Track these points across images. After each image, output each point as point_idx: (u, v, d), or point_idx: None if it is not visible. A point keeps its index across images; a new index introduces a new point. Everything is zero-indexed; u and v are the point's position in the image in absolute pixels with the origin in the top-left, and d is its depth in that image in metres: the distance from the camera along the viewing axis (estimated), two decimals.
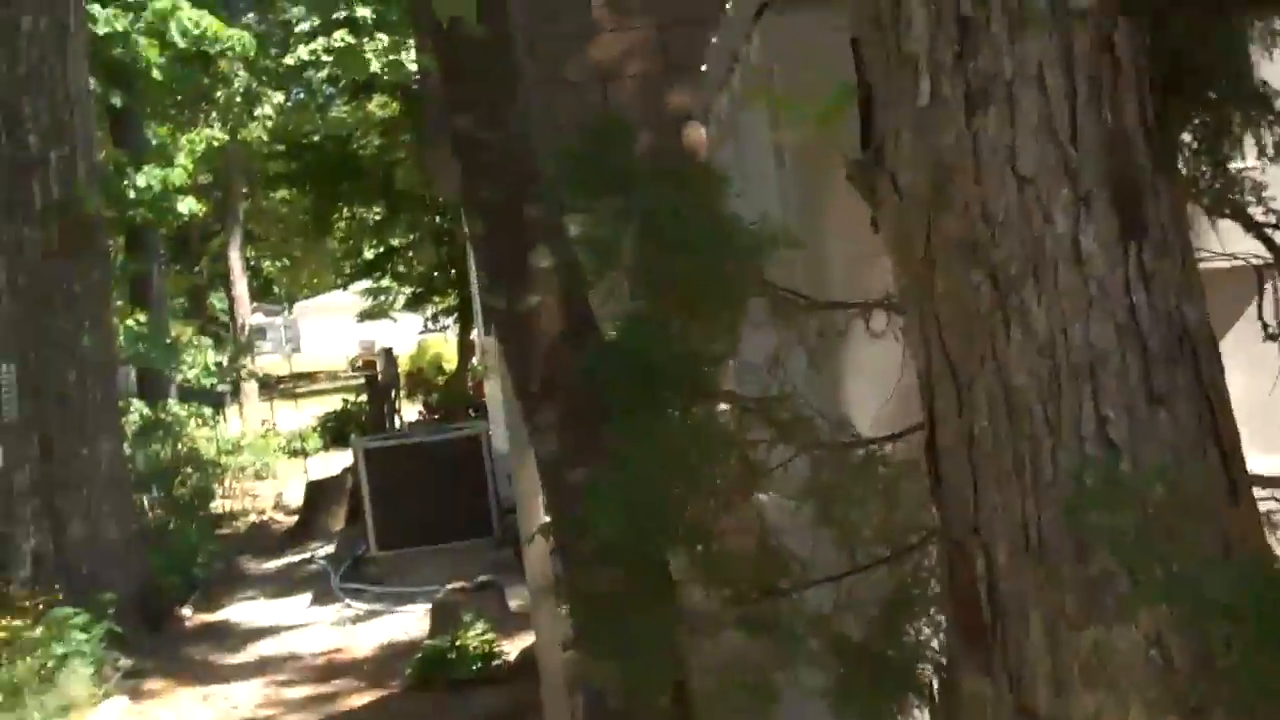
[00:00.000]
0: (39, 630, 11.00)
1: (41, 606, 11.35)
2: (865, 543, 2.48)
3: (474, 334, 31.39)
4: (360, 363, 20.70)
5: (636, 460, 2.52)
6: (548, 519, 5.84)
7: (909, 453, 2.68)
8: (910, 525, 2.60)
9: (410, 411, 31.47)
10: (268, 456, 24.61)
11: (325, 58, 26.34)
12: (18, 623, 10.83)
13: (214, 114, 24.92)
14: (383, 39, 25.92)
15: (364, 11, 25.98)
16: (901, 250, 2.05)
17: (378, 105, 29.61)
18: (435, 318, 32.52)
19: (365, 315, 39.41)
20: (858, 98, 2.10)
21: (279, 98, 25.51)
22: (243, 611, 14.09)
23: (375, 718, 10.05)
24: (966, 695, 2.03)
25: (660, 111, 5.87)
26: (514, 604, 12.20)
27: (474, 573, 14.00)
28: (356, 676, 11.20)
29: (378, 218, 29.55)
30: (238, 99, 23.76)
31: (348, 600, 13.77)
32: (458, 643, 10.53)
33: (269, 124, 25.03)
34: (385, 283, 31.11)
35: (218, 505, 20.52)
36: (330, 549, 16.72)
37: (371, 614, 13.18)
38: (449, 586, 12.03)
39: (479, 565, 14.22)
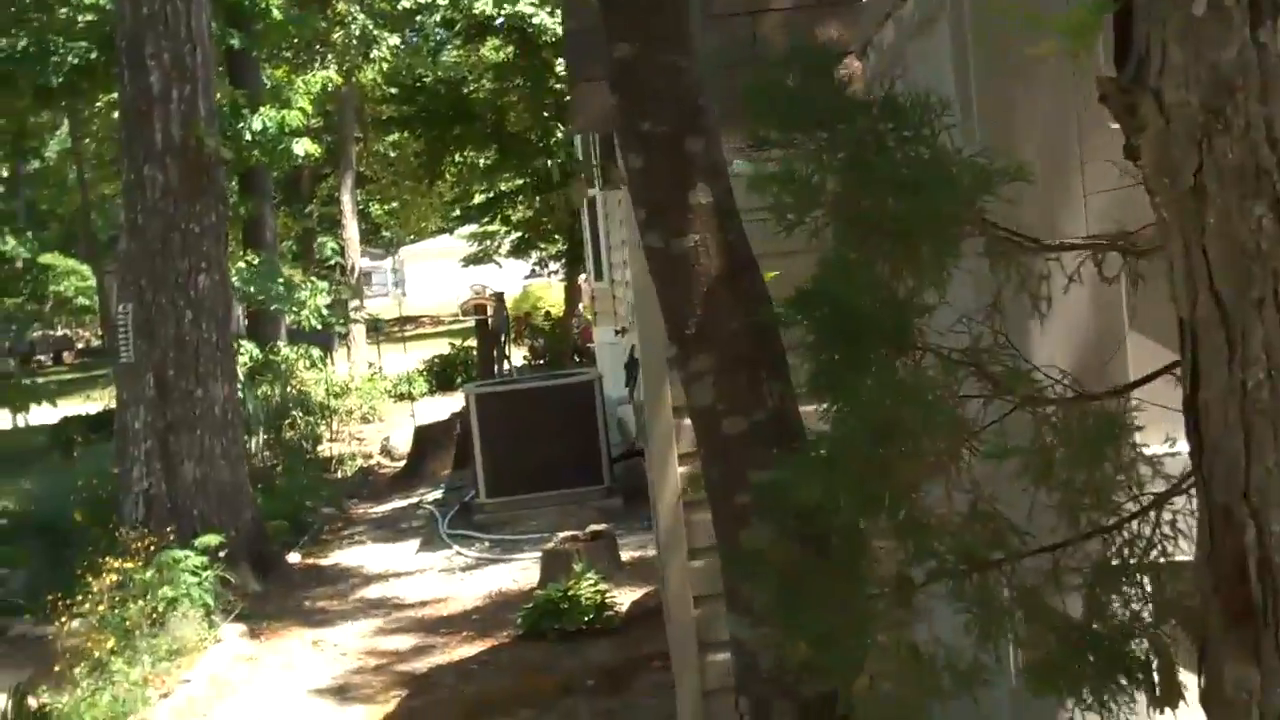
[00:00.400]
0: (149, 572, 11.00)
1: (152, 548, 11.36)
2: (1087, 509, 2.25)
3: (581, 279, 31.35)
4: (471, 306, 20.54)
5: (842, 418, 2.30)
6: (681, 469, 5.64)
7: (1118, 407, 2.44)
8: (1122, 487, 2.37)
9: (516, 356, 31.49)
10: (375, 400, 24.65)
11: (440, 0, 26.23)
12: (129, 565, 10.82)
13: (329, 56, 24.86)
14: None
15: None
16: (1165, 179, 1.81)
17: (490, 49, 29.47)
18: (544, 263, 32.35)
19: (470, 260, 39.41)
20: (1114, 8, 1.87)
21: (394, 40, 25.34)
22: (351, 556, 14.05)
23: (485, 667, 9.92)
24: (1228, 683, 1.80)
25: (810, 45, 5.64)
26: (626, 555, 12.07)
27: (583, 521, 13.87)
28: (465, 625, 11.09)
29: (489, 162, 29.40)
30: (354, 41, 23.63)
31: (456, 548, 13.68)
32: (570, 592, 10.38)
33: (385, 67, 24.89)
34: (493, 227, 30.96)
35: (325, 449, 20.56)
36: (437, 495, 16.67)
37: (480, 562, 13.08)
38: (560, 535, 11.90)
39: (588, 514, 14.10)
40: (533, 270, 68.59)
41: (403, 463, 19.55)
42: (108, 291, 46.52)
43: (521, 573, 12.44)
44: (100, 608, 10.50)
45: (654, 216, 4.02)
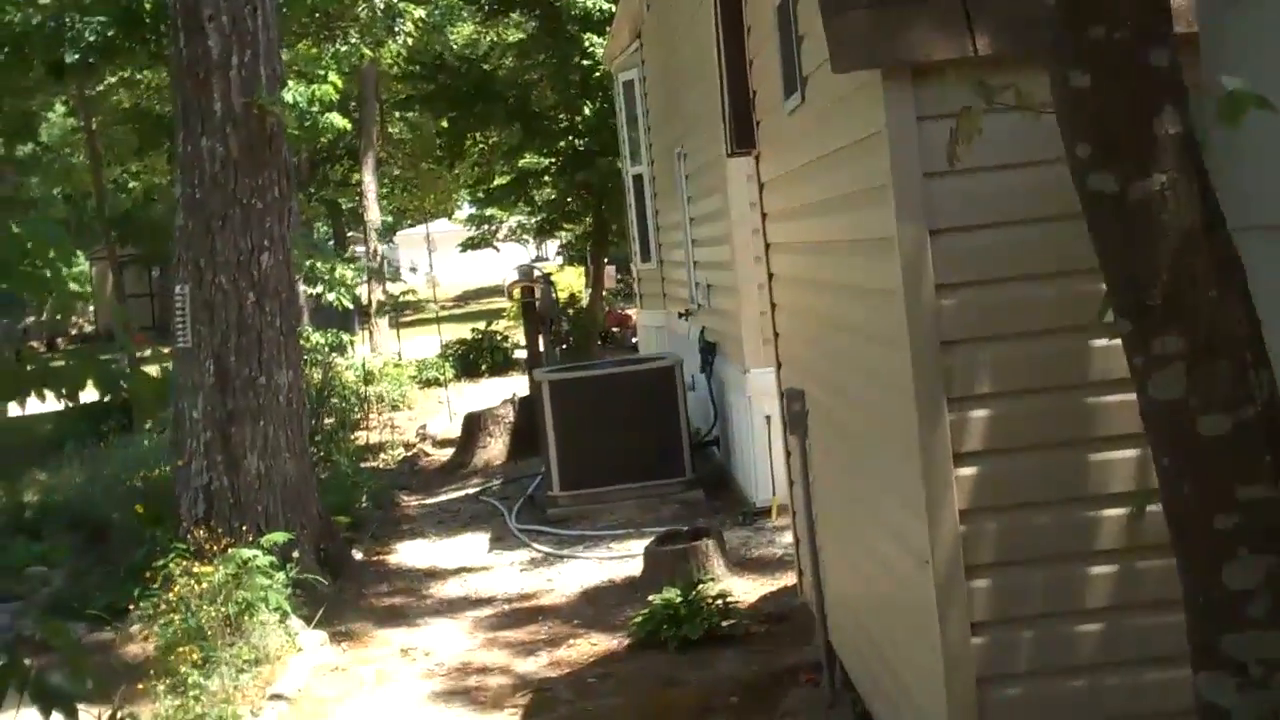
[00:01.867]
0: (219, 573, 10.14)
1: (227, 548, 10.52)
2: None
3: (606, 262, 30.49)
4: (518, 290, 19.67)
5: None
6: (961, 470, 4.79)
7: None
8: None
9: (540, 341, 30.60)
10: (404, 386, 23.78)
11: None
12: (202, 567, 9.96)
13: (351, 31, 23.94)
14: None
15: None
16: None
17: (513, 25, 28.61)
18: (568, 245, 31.46)
19: (469, 245, 38.53)
20: None
21: (420, 13, 24.42)
22: (418, 552, 13.20)
23: (604, 681, 9.08)
24: None
25: None
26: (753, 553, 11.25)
27: (663, 516, 13.09)
28: (565, 629, 10.26)
29: (512, 141, 28.52)
30: (379, 14, 22.71)
31: (532, 543, 12.84)
32: (690, 597, 9.54)
33: (410, 41, 23.96)
34: (493, 211, 30.05)
35: (361, 437, 19.67)
36: (495, 485, 15.82)
37: (560, 558, 12.23)
38: (661, 531, 11.09)
39: (669, 507, 13.32)
40: (537, 255, 68.01)
41: (448, 451, 18.69)
42: (99, 278, 45.77)
43: (613, 569, 11.61)
44: (175, 616, 9.66)
45: (1104, 152, 3.16)
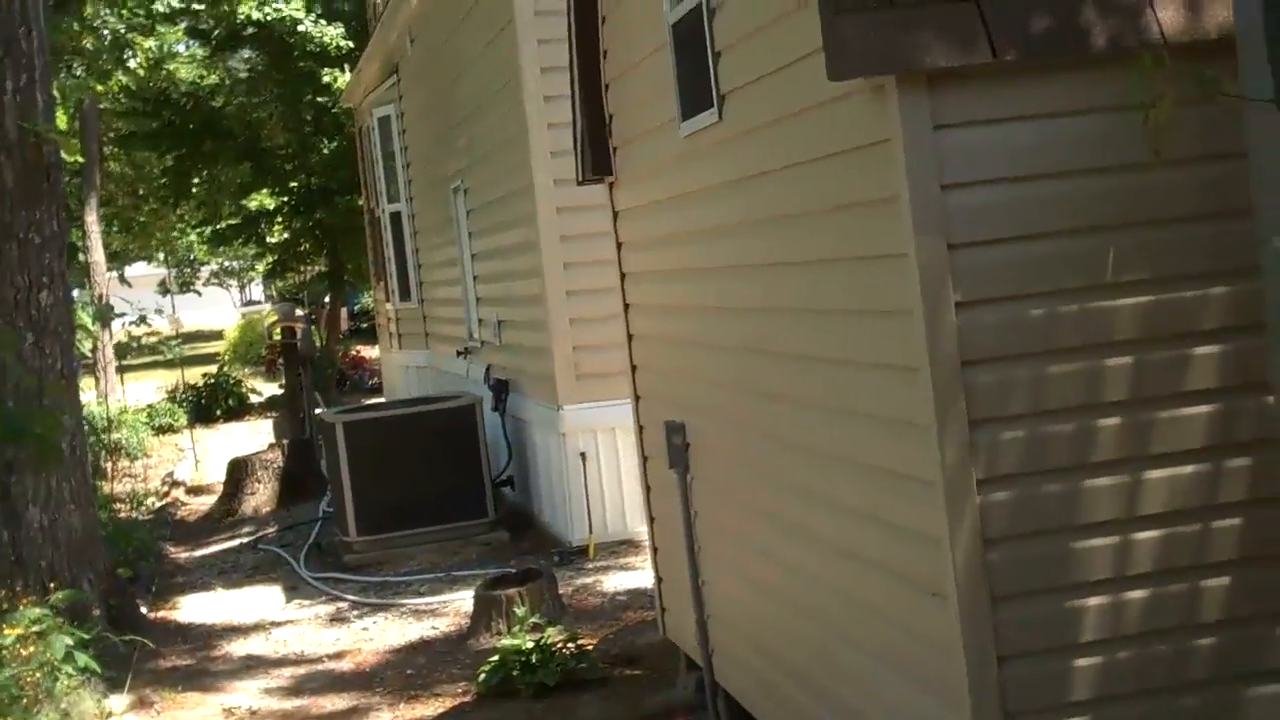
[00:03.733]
0: (11, 634, 9.32)
1: (5, 607, 9.71)
2: None
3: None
4: (279, 330, 18.96)
5: None
6: (982, 497, 4.57)
7: None
8: None
9: (270, 387, 29.68)
10: (140, 433, 22.65)
11: (196, 5, 24.37)
12: (12, 632, 9.14)
13: (76, 64, 22.79)
14: None
15: None
16: None
17: (241, 61, 27.71)
18: (302, 287, 30.58)
19: (169, 287, 37.25)
20: None
21: (150, 44, 23.39)
22: (207, 607, 12.44)
23: None
24: None
25: None
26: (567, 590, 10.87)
27: (469, 557, 12.71)
28: (398, 682, 9.74)
29: (242, 180, 27.55)
30: (106, 44, 21.65)
31: (333, 592, 12.23)
32: (541, 641, 9.14)
33: (141, 73, 22.92)
34: (246, 249, 29.11)
35: (104, 488, 18.59)
36: (271, 533, 15.10)
37: (372, 608, 11.66)
38: (478, 574, 10.65)
39: (473, 549, 12.91)
40: (243, 300, 66.24)
41: (204, 499, 17.84)
42: None
43: (433, 618, 11.11)
44: None
45: None
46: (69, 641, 9.42)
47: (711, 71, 6.37)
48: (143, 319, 21.37)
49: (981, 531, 4.57)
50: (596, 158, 8.51)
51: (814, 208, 5.44)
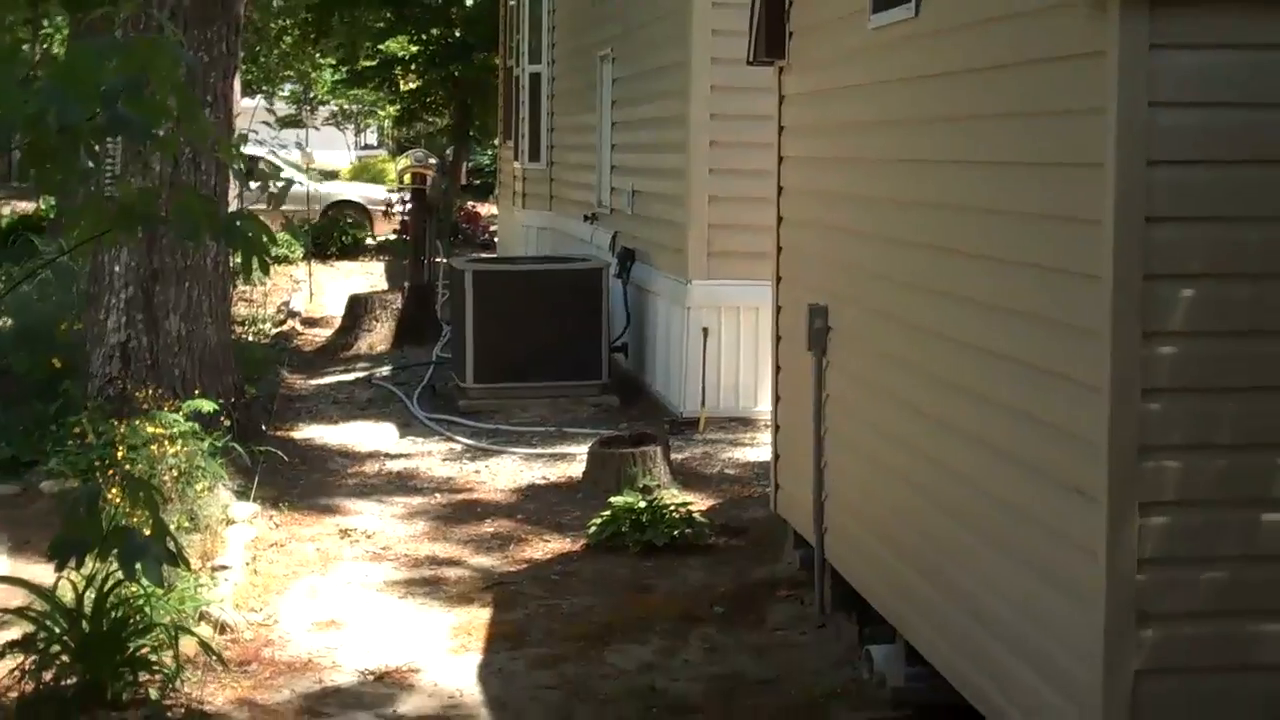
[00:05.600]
0: (153, 430, 9.71)
1: (151, 407, 10.09)
2: None
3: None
4: (410, 175, 19.20)
5: None
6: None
7: None
8: None
9: (383, 232, 30.01)
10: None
11: None
12: (154, 427, 9.52)
13: None
14: None
15: None
16: None
17: None
18: (421, 137, 30.80)
19: (284, 122, 37.36)
20: None
21: None
22: (324, 433, 12.81)
23: (568, 579, 8.92)
24: None
25: None
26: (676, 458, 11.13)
27: (580, 416, 12.99)
28: (511, 523, 10.06)
29: (383, 24, 27.72)
30: None
31: (446, 433, 12.56)
32: (653, 502, 9.42)
33: None
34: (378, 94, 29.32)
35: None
36: (384, 371, 15.46)
37: (487, 451, 11.98)
38: (604, 434, 10.93)
39: (583, 410, 13.18)
40: (360, 144, 66.70)
41: (319, 331, 18.24)
42: None
43: (546, 468, 11.42)
44: (110, 471, 9.22)
45: None
46: (201, 446, 9.81)
47: None
48: (274, 151, 21.66)
49: (1139, 438, 4.74)
50: (771, 40, 8.63)
51: (1012, 110, 5.57)
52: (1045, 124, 5.27)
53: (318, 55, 30.62)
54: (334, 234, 26.68)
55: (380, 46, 29.21)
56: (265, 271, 4.53)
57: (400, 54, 28.47)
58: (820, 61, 8.12)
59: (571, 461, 11.39)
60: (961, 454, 6.09)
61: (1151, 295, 4.71)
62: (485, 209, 30.64)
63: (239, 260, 4.45)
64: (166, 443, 9.58)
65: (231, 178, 12.83)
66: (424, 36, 27.29)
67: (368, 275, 24.61)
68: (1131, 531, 4.77)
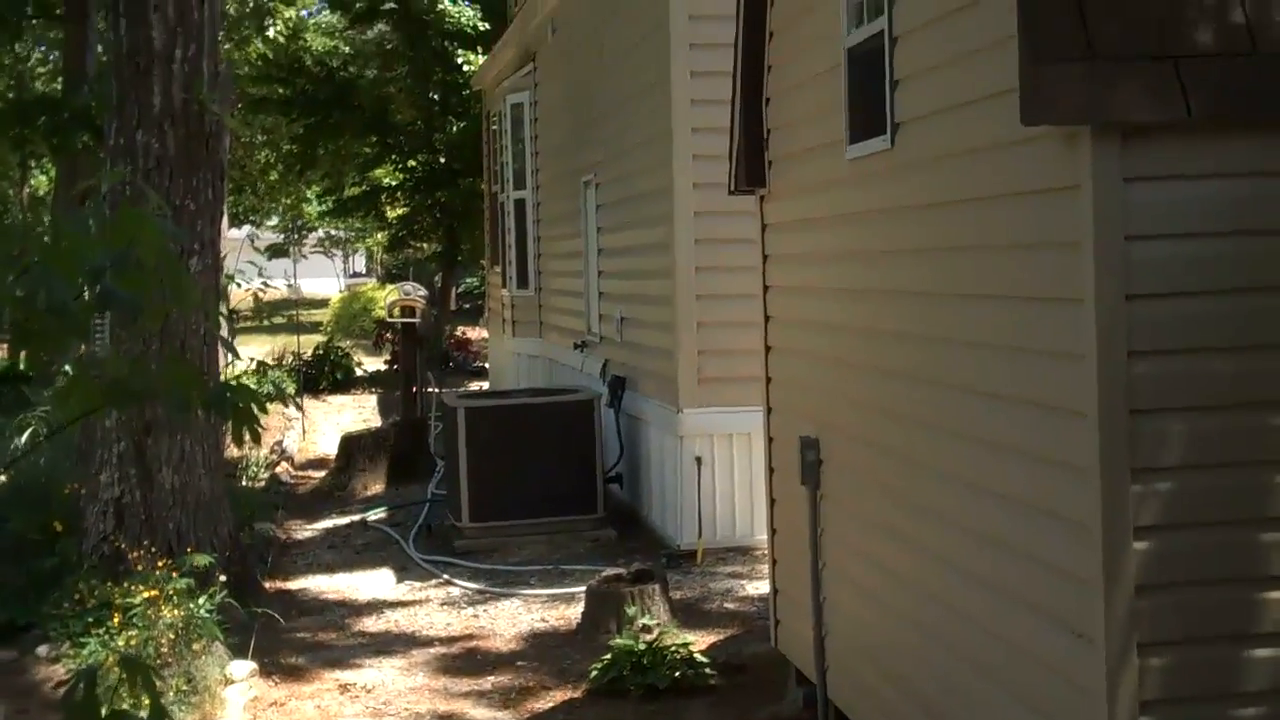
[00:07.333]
0: (140, 595, 9.60)
1: (154, 567, 9.99)
2: None
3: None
4: (398, 309, 19.21)
5: None
6: (1140, 544, 4.63)
7: None
8: None
9: (374, 361, 30.01)
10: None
11: None
12: (146, 590, 9.40)
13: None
14: None
15: None
16: None
17: (376, 34, 28.05)
18: (417, 263, 30.92)
19: (274, 251, 37.67)
20: None
21: (290, 13, 23.74)
22: (321, 581, 12.64)
23: None
24: None
25: None
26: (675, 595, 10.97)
27: (578, 552, 12.83)
28: (514, 672, 9.85)
29: (368, 154, 27.90)
30: (248, 11, 22.02)
31: (446, 576, 12.40)
32: (653, 643, 9.26)
33: (280, 41, 23.28)
34: (368, 221, 29.47)
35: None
36: (381, 513, 15.33)
37: (486, 596, 11.81)
38: (604, 573, 10.77)
39: (581, 545, 13.04)
40: (350, 271, 66.87)
41: (312, 472, 18.13)
42: None
43: (542, 610, 11.26)
44: (119, 637, 9.13)
45: None
46: (206, 611, 9.68)
47: (888, 99, 6.45)
48: (266, 285, 21.69)
49: (1135, 578, 4.64)
50: (751, 170, 8.61)
51: (987, 243, 5.51)
52: (1022, 257, 5.21)
53: (304, 187, 30.79)
54: (324, 368, 26.65)
55: (366, 174, 29.37)
56: (256, 440, 4.46)
57: (387, 182, 28.61)
58: (800, 190, 8.09)
59: (571, 602, 11.22)
60: (959, 590, 5.96)
61: (1138, 430, 4.63)
62: (475, 333, 30.65)
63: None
64: (162, 605, 9.48)
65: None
66: (409, 164, 27.43)
67: (360, 409, 24.56)
68: (1132, 674, 4.64)
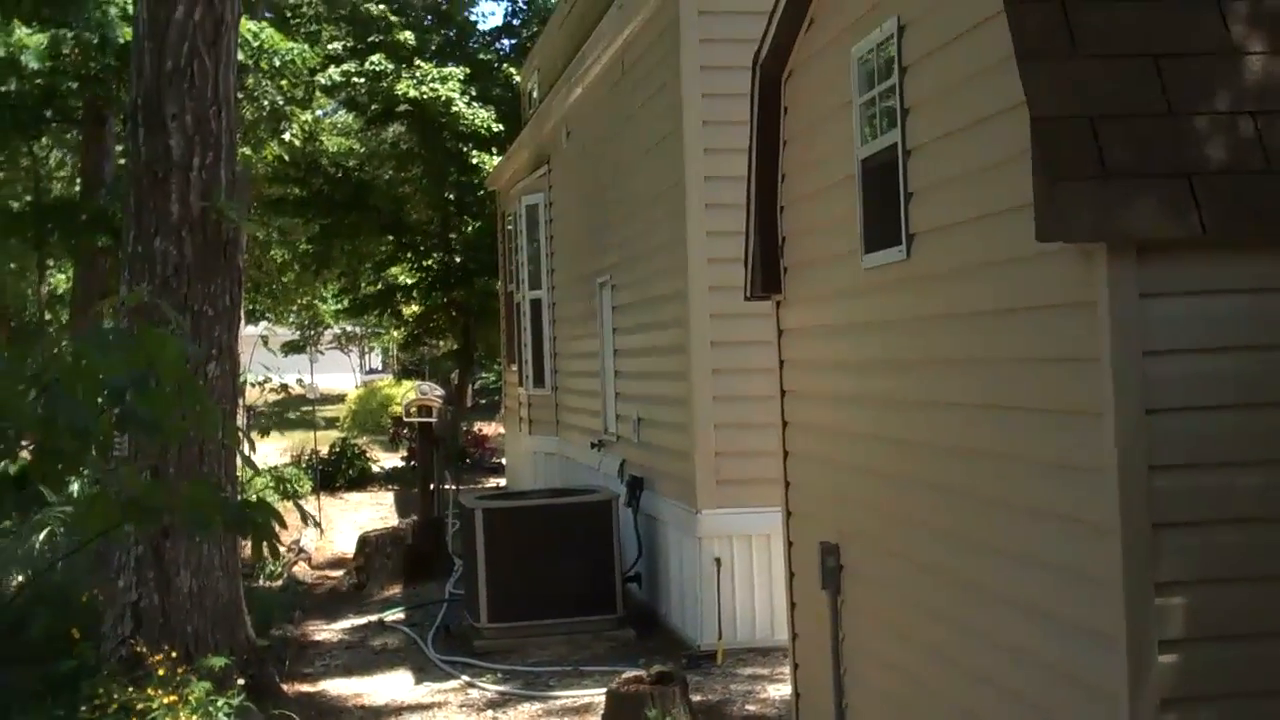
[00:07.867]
0: (158, 701, 9.60)
1: (174, 673, 9.99)
2: None
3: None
4: (415, 409, 19.28)
5: None
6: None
7: None
8: None
9: (391, 458, 30.05)
10: (264, 497, 23.02)
11: (357, 80, 25.05)
12: (164, 698, 9.40)
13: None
14: (420, 65, 24.71)
15: (405, 35, 24.76)
16: None
17: (392, 135, 28.34)
18: (434, 360, 31.06)
19: (290, 348, 37.74)
20: None
21: (306, 116, 24.04)
22: (340, 684, 12.61)
23: None
24: None
25: None
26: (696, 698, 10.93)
27: (598, 652, 12.79)
28: None
29: (384, 253, 28.13)
30: (265, 114, 22.27)
31: (465, 678, 12.37)
32: None
33: (296, 144, 23.55)
34: (384, 321, 29.64)
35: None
36: (398, 612, 15.32)
37: (506, 698, 11.78)
38: (624, 674, 10.73)
39: (600, 645, 13.00)
40: (367, 367, 67.05)
41: (330, 571, 18.12)
42: None
43: (562, 713, 11.22)
44: None
45: None
46: (225, 715, 9.67)
47: (902, 211, 6.52)
48: (284, 386, 21.80)
49: (1161, 690, 4.65)
50: (767, 277, 8.68)
51: (1003, 355, 5.56)
52: (1039, 369, 5.26)
53: (320, 286, 31.03)
54: (341, 465, 26.71)
55: (382, 273, 29.58)
56: (275, 556, 4.53)
57: (403, 280, 28.81)
58: (817, 298, 8.16)
59: (591, 703, 11.19)
60: (988, 701, 5.96)
61: (1159, 544, 4.66)
62: (492, 429, 30.68)
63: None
64: (181, 709, 9.48)
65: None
66: (425, 263, 27.64)
67: (377, 506, 24.57)
68: None
